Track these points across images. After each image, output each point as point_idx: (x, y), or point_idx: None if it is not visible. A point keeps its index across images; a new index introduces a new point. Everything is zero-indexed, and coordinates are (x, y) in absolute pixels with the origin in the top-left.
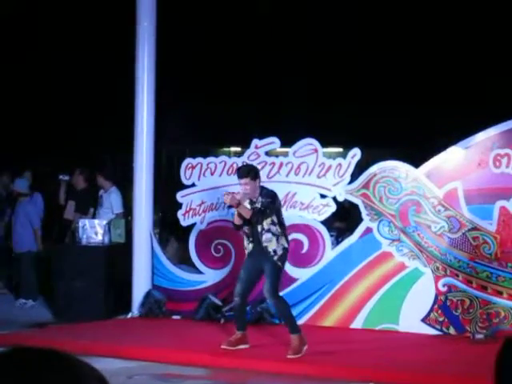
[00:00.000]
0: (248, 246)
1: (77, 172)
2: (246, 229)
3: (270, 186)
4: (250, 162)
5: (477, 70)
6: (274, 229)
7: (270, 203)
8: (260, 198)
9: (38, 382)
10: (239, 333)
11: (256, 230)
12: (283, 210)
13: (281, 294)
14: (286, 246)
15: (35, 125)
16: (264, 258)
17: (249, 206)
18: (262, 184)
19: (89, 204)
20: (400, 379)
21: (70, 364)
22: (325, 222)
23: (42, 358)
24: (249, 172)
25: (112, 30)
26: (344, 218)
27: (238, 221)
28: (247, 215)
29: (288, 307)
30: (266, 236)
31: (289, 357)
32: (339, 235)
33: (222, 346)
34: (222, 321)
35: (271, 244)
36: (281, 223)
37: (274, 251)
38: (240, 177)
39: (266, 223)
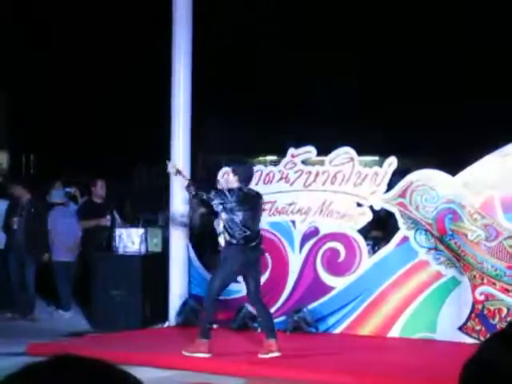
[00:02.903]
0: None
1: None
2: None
3: (306, 194)
4: (286, 171)
5: None
6: (221, 225)
7: (224, 194)
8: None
9: None
10: (273, 341)
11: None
12: (320, 218)
13: (318, 302)
14: (223, 243)
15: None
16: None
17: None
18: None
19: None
20: None
21: (115, 374)
22: (361, 231)
23: (88, 366)
24: (232, 165)
25: (148, 39)
26: (380, 227)
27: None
28: (184, 184)
29: (211, 312)
30: (218, 229)
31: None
32: (376, 244)
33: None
34: (259, 330)
35: (220, 237)
36: (230, 220)
37: (220, 245)
38: (226, 165)
39: (222, 218)
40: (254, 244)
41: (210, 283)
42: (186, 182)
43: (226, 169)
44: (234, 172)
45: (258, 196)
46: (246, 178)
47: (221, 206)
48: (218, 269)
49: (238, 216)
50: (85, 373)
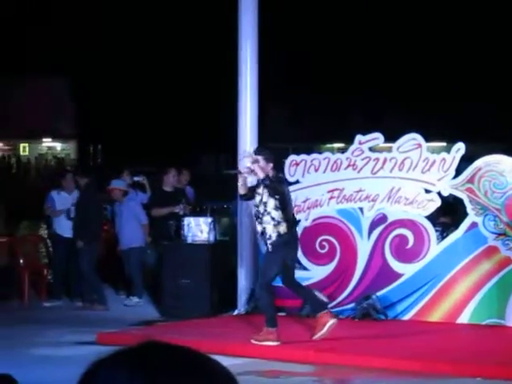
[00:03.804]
0: (257, 228)
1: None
2: (254, 210)
3: (373, 181)
4: (354, 158)
5: None
6: (276, 214)
7: (277, 184)
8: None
9: (178, 378)
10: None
11: (258, 210)
12: (388, 204)
13: (387, 289)
14: (282, 233)
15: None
16: (263, 241)
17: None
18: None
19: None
20: (508, 375)
21: (204, 359)
22: (430, 217)
23: (178, 353)
24: (263, 151)
25: (214, 30)
26: (449, 213)
27: (242, 190)
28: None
29: (271, 301)
30: (265, 218)
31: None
32: (444, 230)
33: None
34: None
35: (268, 227)
36: (284, 210)
37: (270, 236)
38: (255, 153)
39: (270, 206)
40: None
41: (265, 272)
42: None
43: (293, 157)
44: (267, 158)
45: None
46: (274, 162)
47: (278, 196)
48: (282, 256)
49: (290, 201)
50: (177, 359)
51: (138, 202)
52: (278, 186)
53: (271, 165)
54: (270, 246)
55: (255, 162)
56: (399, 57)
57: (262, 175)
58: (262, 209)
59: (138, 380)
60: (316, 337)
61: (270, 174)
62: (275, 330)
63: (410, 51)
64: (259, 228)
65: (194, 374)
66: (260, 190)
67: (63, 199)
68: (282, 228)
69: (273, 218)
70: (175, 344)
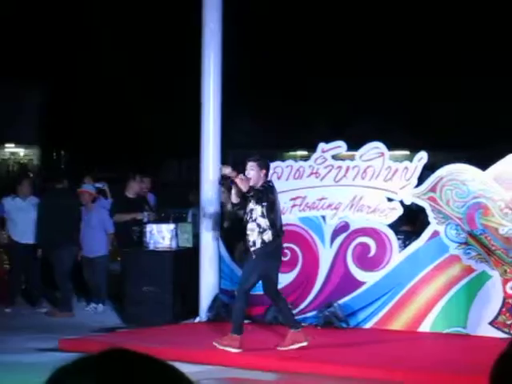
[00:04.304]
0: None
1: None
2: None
3: (336, 189)
4: (317, 166)
5: None
6: (262, 221)
7: (268, 191)
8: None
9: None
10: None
11: (245, 217)
12: (350, 213)
13: (348, 297)
14: (267, 241)
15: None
16: (248, 247)
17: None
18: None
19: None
20: (469, 383)
21: (166, 367)
22: (392, 226)
23: (139, 360)
24: (258, 159)
25: (178, 33)
26: (411, 222)
27: (235, 199)
28: (245, 187)
29: (243, 308)
30: (250, 225)
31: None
32: (406, 239)
33: (279, 348)
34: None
35: (253, 234)
36: (270, 218)
37: (254, 242)
38: (248, 160)
39: (256, 213)
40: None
41: (246, 279)
42: (247, 184)
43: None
44: (262, 166)
45: None
46: (267, 169)
47: (265, 203)
48: (264, 266)
49: (278, 210)
50: (138, 366)
51: (107, 209)
52: (267, 193)
53: (264, 171)
54: (253, 254)
55: (251, 169)
56: (364, 64)
57: (253, 182)
58: (248, 216)
59: None
60: (281, 348)
61: (262, 180)
62: (239, 338)
63: (375, 58)
64: (246, 234)
65: (157, 381)
66: (249, 197)
67: (17, 205)
68: (267, 236)
69: (258, 225)
70: (139, 352)
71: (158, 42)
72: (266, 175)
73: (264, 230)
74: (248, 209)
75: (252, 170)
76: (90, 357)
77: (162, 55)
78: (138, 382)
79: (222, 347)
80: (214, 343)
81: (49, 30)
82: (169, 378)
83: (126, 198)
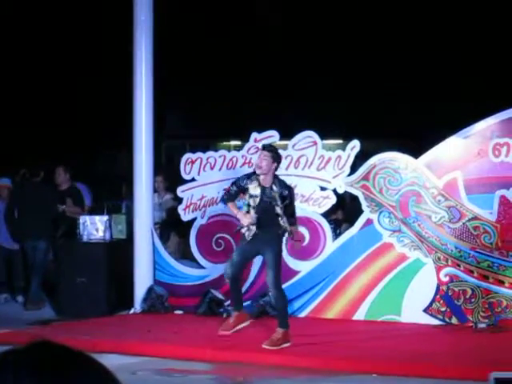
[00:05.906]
0: (250, 231)
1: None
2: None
3: None
4: (250, 156)
5: (477, 60)
6: (279, 210)
7: (291, 195)
8: (274, 187)
9: (63, 378)
10: (236, 313)
11: (265, 214)
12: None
13: (283, 286)
14: (285, 226)
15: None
16: (266, 243)
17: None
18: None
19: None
20: (402, 370)
21: (91, 362)
22: (325, 215)
23: (64, 354)
24: (273, 150)
25: (109, 25)
26: (344, 210)
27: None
28: (249, 220)
29: (286, 301)
30: (282, 220)
31: (264, 346)
32: (337, 227)
33: (220, 333)
34: (225, 315)
35: (278, 226)
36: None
37: (278, 234)
38: (263, 148)
39: (279, 208)
40: None
41: (273, 273)
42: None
43: (188, 155)
44: (275, 159)
45: None
46: (279, 162)
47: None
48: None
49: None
50: (63, 360)
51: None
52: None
53: (275, 165)
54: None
55: (264, 157)
56: (296, 54)
57: (262, 171)
58: (267, 202)
59: (23, 380)
60: (222, 332)
61: (271, 173)
62: (289, 331)
63: (307, 46)
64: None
65: (78, 373)
66: (255, 186)
67: None
68: (283, 222)
69: (277, 215)
70: (62, 344)
71: (88, 33)
72: (276, 169)
73: (283, 218)
74: (265, 197)
75: (265, 159)
76: (11, 350)
77: (93, 47)
78: (57, 373)
79: (277, 347)
80: (265, 346)
81: None
82: (90, 369)
83: (59, 191)
